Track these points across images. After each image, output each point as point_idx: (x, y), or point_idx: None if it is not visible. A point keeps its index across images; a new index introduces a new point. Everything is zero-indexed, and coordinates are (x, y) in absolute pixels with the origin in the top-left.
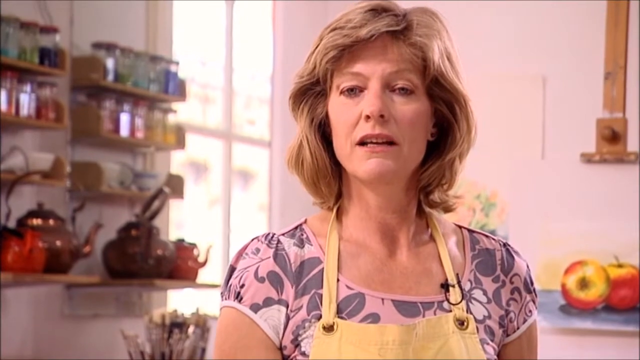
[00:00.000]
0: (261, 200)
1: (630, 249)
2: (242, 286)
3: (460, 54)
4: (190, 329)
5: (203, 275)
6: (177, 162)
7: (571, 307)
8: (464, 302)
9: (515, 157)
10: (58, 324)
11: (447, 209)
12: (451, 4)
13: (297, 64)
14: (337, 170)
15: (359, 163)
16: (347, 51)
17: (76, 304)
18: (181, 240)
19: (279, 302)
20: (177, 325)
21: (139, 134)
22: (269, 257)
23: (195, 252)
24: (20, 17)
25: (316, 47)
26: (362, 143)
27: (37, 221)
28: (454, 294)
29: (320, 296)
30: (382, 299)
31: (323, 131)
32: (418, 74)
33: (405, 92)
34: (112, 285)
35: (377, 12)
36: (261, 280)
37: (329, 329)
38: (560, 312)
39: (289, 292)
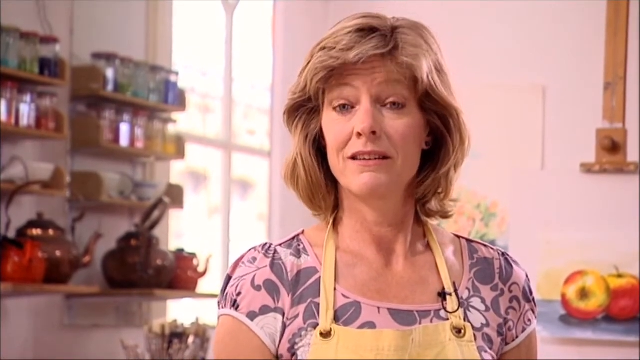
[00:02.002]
0: (261, 210)
1: (631, 259)
2: (238, 294)
3: (460, 65)
4: (190, 339)
5: (203, 285)
6: (176, 171)
7: (571, 317)
8: (461, 310)
9: (515, 167)
10: (58, 334)
11: (445, 216)
12: (451, 15)
13: (297, 75)
14: (333, 184)
15: (353, 177)
16: (336, 72)
17: (76, 314)
18: (181, 250)
19: (276, 310)
20: (176, 335)
21: (139, 144)
22: (266, 266)
23: (194, 262)
24: (20, 28)
25: (307, 64)
26: (354, 157)
27: (36, 231)
28: (451, 303)
29: (317, 305)
30: (378, 308)
31: (319, 144)
32: (408, 90)
33: (397, 106)
34: (111, 295)
35: (365, 32)
36: (257, 288)
37: (326, 335)
38: (561, 322)
39: (285, 300)
